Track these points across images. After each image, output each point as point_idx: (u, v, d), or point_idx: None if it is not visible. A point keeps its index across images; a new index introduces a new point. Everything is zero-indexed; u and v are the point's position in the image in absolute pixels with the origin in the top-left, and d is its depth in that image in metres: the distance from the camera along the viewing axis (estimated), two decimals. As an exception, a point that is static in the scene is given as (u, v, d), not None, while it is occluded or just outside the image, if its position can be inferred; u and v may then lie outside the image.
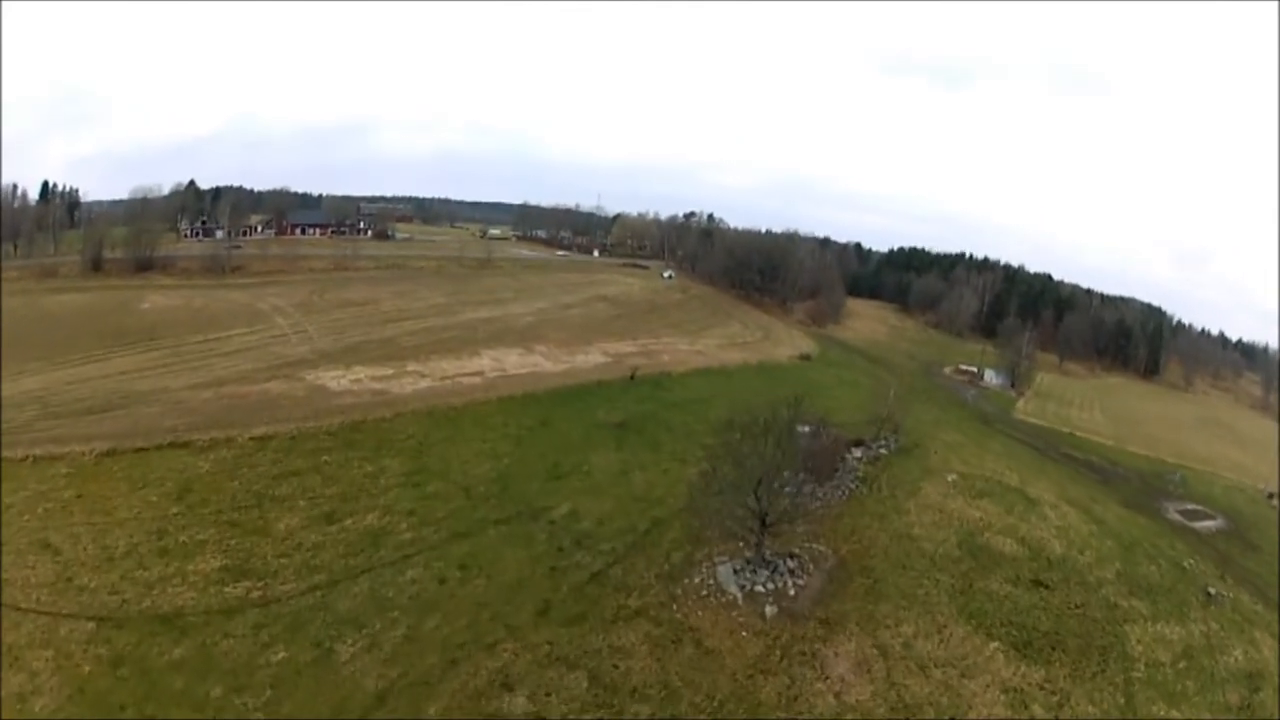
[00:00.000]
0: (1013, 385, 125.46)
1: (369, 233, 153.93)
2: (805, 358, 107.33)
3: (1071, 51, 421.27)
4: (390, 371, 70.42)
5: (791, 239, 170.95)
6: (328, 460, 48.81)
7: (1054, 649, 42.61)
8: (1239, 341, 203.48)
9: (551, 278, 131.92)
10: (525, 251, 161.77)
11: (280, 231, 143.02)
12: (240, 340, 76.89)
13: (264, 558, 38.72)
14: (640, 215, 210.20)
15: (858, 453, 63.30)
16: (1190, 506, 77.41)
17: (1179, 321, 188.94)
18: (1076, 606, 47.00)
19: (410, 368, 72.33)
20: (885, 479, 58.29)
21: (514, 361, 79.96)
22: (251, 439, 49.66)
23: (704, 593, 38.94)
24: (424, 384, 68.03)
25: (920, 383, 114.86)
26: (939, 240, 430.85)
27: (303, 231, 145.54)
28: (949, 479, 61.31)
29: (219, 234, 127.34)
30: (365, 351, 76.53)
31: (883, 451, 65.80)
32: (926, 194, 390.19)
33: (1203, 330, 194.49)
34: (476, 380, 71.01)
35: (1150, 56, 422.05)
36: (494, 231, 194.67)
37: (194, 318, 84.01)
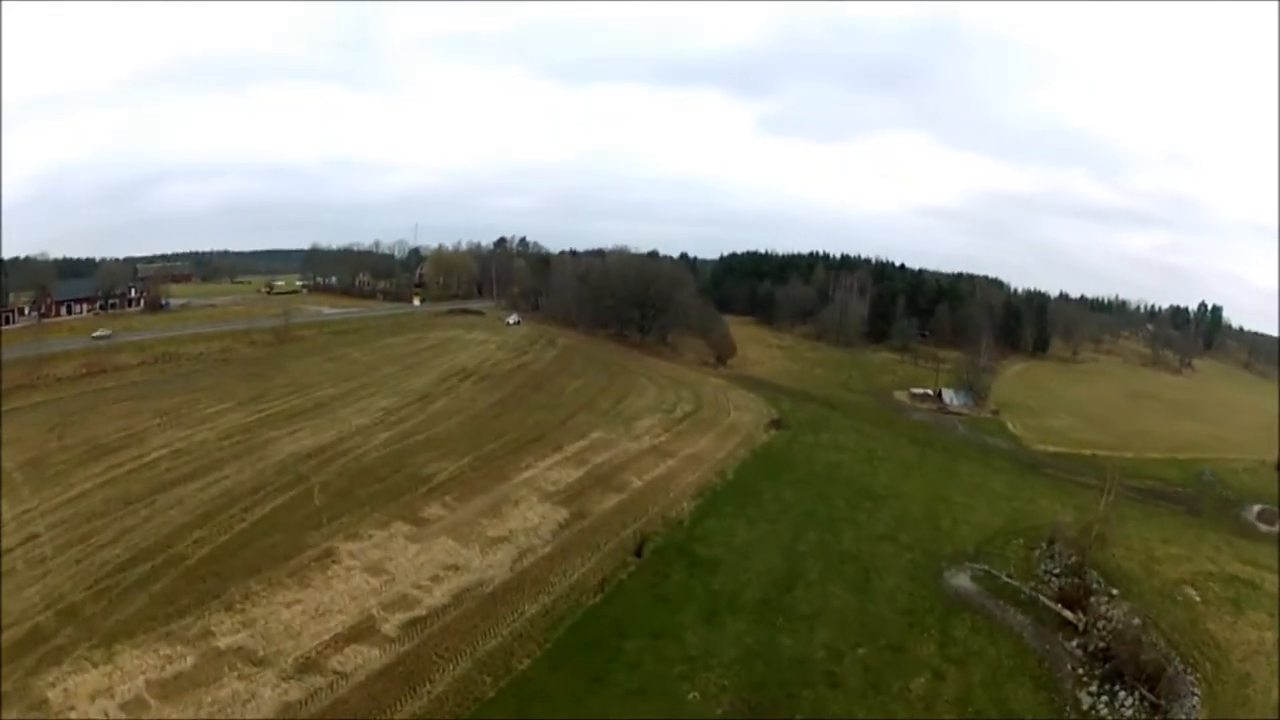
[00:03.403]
0: (975, 402, 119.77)
1: (142, 302, 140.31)
2: (777, 424, 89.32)
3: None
4: (188, 660, 35.85)
5: (666, 262, 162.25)
6: None
7: None
8: (1096, 300, 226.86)
9: (377, 347, 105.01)
10: (327, 309, 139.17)
11: (46, 313, 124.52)
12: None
13: None
14: (442, 247, 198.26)
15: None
16: (1257, 508, 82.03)
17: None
18: None
19: (222, 637, 37.80)
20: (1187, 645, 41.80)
21: (410, 565, 47.77)
22: None
23: None
24: (267, 695, 33.72)
25: (904, 424, 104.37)
26: (729, 240, 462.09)
27: (69, 309, 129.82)
28: (1194, 598, 48.06)
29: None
30: (132, 597, 40.81)
31: (1113, 592, 47.91)
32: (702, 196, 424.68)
33: (1065, 296, 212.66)
34: (370, 655, 37.56)
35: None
36: (279, 284, 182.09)
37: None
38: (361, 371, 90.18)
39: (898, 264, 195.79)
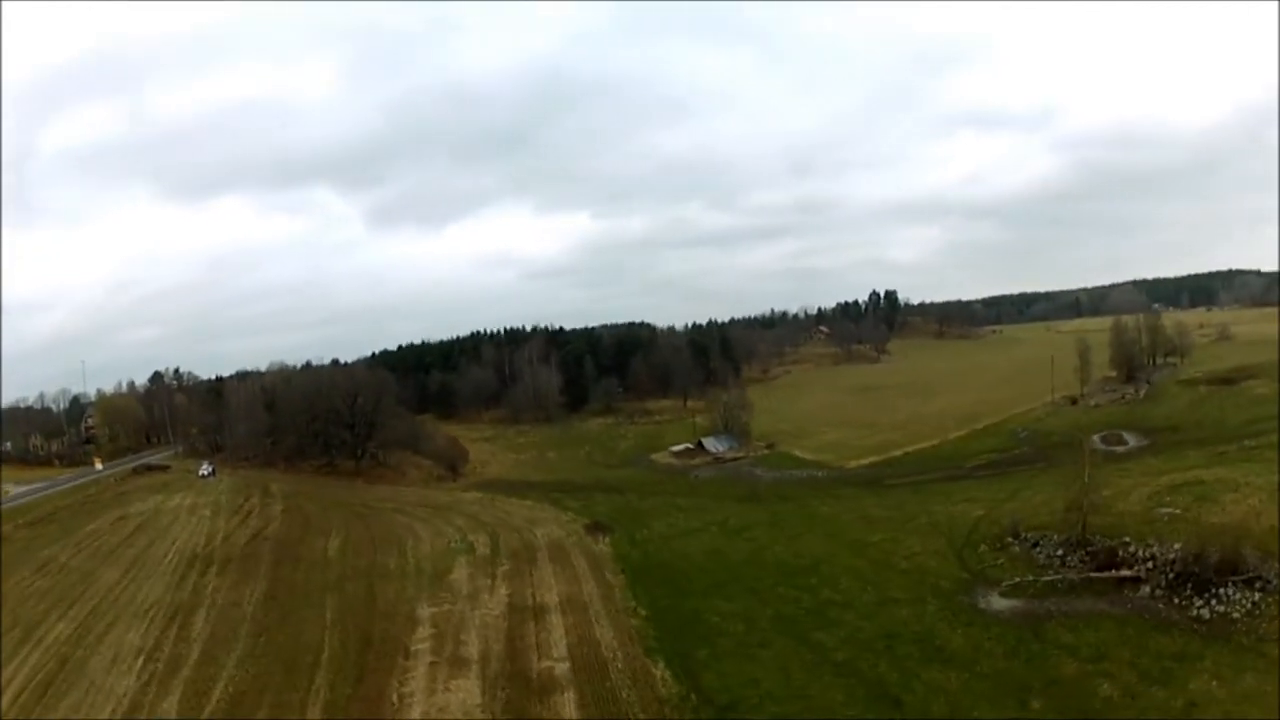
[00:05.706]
0: (741, 444, 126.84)
1: None
2: (599, 529, 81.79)
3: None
4: None
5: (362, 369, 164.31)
6: None
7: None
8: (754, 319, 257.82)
9: (81, 540, 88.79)
10: (13, 488, 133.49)
11: None
12: None
13: None
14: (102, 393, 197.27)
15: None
16: (1097, 437, 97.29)
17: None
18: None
19: None
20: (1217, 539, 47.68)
21: None
22: None
23: None
24: None
25: (707, 486, 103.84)
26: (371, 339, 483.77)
27: None
28: (1176, 512, 55.23)
29: None
30: None
31: (1125, 539, 53.43)
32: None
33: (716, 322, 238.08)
34: None
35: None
36: None
37: None
38: (80, 585, 73.58)
39: (558, 327, 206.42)
